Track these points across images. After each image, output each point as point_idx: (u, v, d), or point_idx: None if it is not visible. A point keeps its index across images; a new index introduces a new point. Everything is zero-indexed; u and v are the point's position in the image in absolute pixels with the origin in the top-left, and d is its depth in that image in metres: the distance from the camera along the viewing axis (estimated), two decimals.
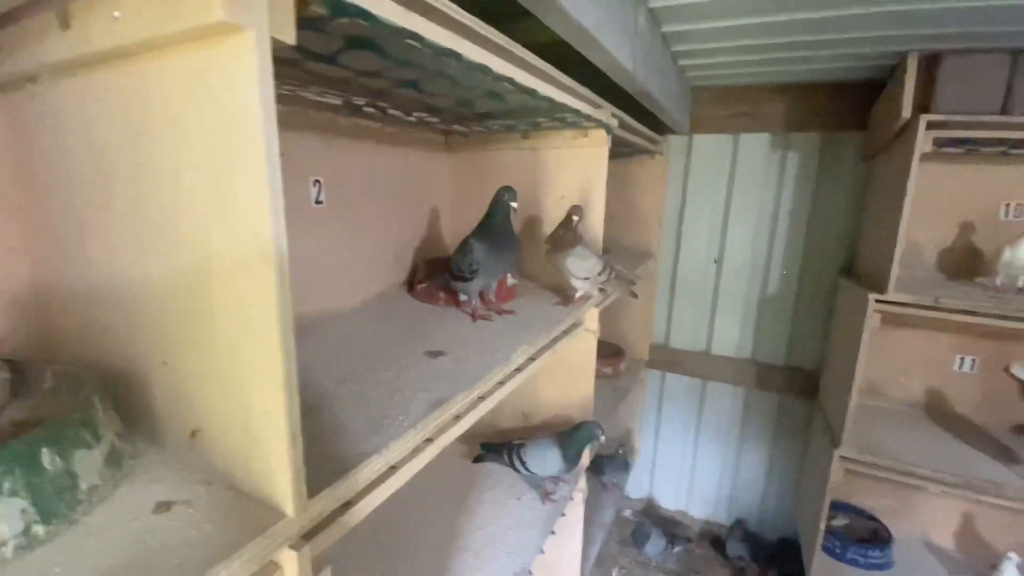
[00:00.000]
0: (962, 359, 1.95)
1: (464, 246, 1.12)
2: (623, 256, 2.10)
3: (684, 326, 2.52)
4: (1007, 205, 1.82)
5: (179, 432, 0.57)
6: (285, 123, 0.44)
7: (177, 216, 0.49)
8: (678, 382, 2.57)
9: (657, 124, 1.98)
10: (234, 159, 0.43)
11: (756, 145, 2.22)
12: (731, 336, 2.42)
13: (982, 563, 1.91)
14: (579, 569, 1.72)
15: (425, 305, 1.31)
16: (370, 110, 1.10)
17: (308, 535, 0.52)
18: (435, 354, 0.93)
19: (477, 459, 1.58)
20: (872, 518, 2.12)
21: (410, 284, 1.45)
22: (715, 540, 2.49)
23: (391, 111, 1.12)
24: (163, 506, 0.50)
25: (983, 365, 1.94)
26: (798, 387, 2.27)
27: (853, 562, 1.94)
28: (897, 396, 2.07)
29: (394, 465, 0.66)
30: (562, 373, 1.60)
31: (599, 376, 2.31)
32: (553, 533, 1.44)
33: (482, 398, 0.87)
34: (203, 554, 0.44)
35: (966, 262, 1.88)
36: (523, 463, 1.42)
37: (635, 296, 1.50)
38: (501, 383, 0.94)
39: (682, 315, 2.51)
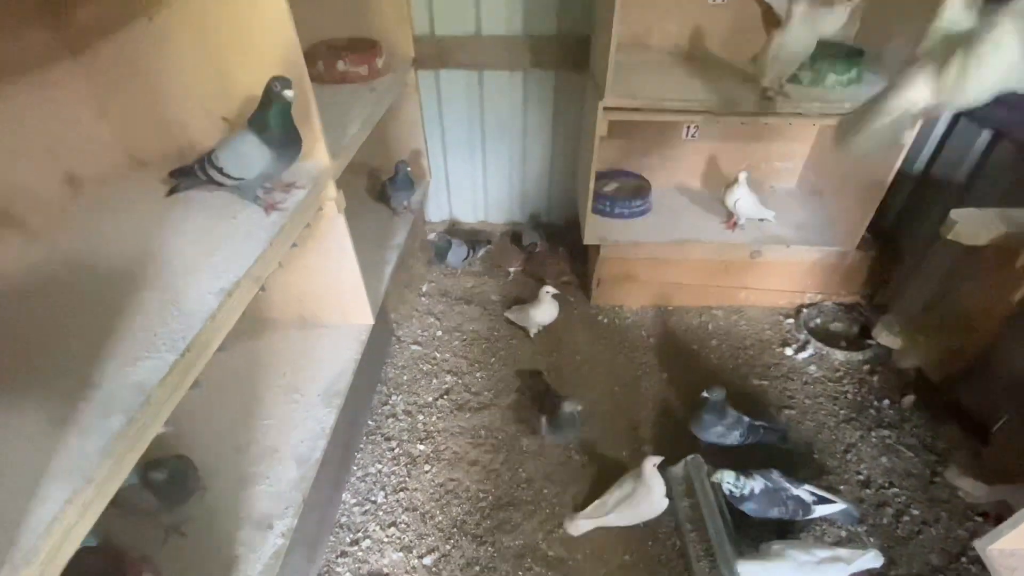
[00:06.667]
0: None
1: None
2: None
3: (448, 4, 2.04)
4: None
5: None
6: None
7: None
8: (454, 81, 2.24)
9: None
10: None
11: None
12: (500, 8, 2.04)
13: (720, 190, 2.25)
14: (363, 288, 1.58)
15: None
16: None
17: None
18: None
19: (171, 191, 1.16)
20: (637, 177, 2.30)
21: None
22: (514, 236, 2.60)
23: None
24: None
25: None
26: (572, 58, 2.09)
27: (620, 215, 2.14)
28: (659, 44, 2.02)
29: None
30: (246, 34, 1.11)
31: (351, 80, 1.85)
32: (295, 245, 1.19)
33: None
34: None
35: None
36: (220, 170, 1.05)
37: None
38: None
39: None
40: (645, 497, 1.41)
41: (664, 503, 1.42)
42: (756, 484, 1.42)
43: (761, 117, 1.69)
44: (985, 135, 1.70)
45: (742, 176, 1.98)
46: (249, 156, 1.01)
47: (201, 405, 1.35)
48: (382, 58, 1.88)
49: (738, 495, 1.41)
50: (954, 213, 1.37)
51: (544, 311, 1.99)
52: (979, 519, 1.51)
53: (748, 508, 1.43)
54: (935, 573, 1.41)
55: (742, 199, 2.00)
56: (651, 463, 1.42)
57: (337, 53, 1.79)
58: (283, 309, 1.62)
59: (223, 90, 1.19)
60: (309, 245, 1.42)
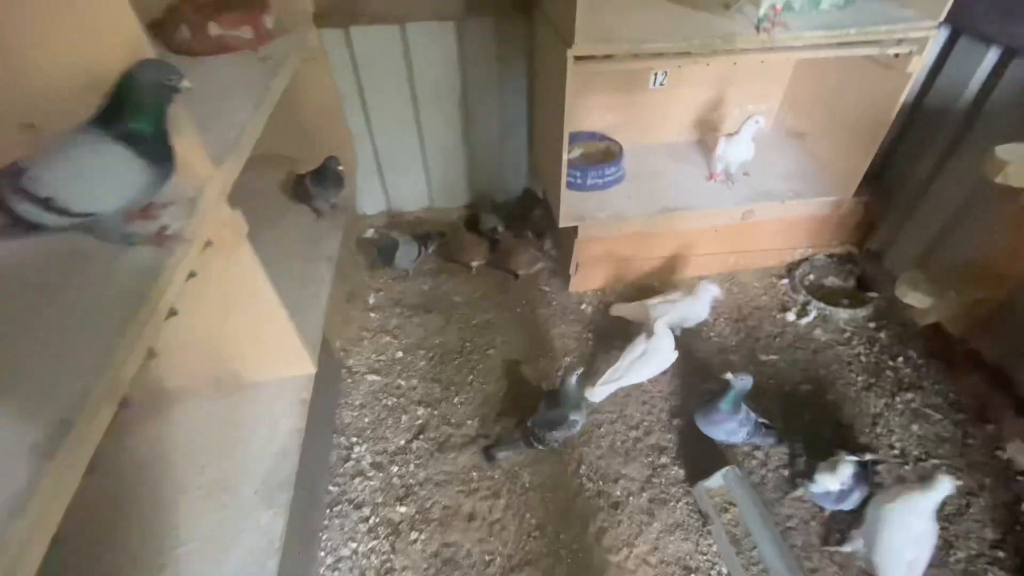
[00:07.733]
0: None
1: None
2: None
3: None
4: None
5: None
6: None
7: None
8: (370, 40, 1.78)
9: None
10: None
11: None
12: None
13: (698, 142, 1.98)
14: (294, 330, 1.19)
15: None
16: None
17: None
18: None
19: None
20: (602, 137, 1.98)
21: None
22: (469, 222, 2.22)
23: None
24: None
25: None
26: None
27: (594, 187, 1.83)
28: None
29: None
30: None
31: (231, 47, 1.37)
32: (175, 313, 0.78)
33: None
34: None
35: None
36: (46, 203, 0.62)
37: None
38: None
39: None
40: (655, 355, 1.51)
41: (673, 356, 1.53)
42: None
43: (760, 54, 1.40)
44: (992, 55, 1.50)
45: (751, 123, 1.71)
46: (114, 177, 0.60)
47: (81, 539, 0.94)
48: (270, 15, 1.41)
49: (836, 493, 1.25)
50: (1000, 150, 1.16)
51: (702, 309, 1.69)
52: (1021, 478, 1.41)
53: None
54: (993, 549, 1.29)
55: (747, 155, 1.75)
56: (662, 323, 1.52)
57: (207, 13, 1.30)
58: (190, 372, 1.20)
59: (14, 84, 0.74)
60: (207, 288, 1.01)
